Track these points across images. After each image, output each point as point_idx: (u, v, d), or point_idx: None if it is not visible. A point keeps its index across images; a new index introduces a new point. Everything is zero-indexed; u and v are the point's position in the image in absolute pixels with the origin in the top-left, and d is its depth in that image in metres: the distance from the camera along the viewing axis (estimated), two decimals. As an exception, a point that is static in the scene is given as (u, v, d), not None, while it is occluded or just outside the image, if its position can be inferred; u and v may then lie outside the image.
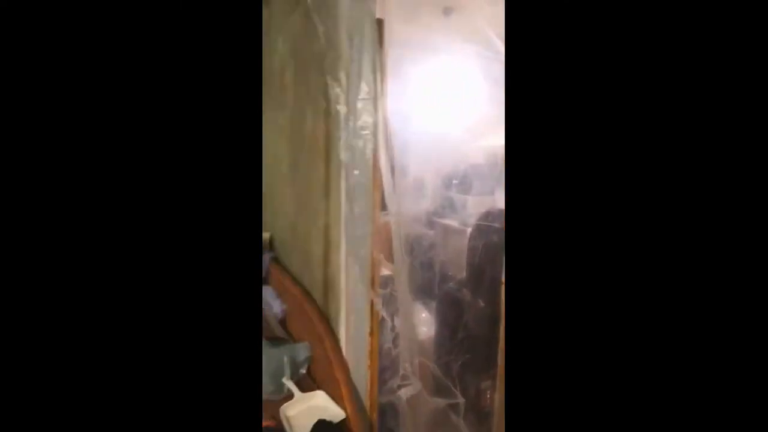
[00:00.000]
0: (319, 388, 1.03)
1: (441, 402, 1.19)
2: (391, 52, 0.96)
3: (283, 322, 1.34)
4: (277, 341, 1.18)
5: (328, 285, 1.13)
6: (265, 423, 0.92)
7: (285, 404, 0.97)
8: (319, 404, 0.97)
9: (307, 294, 1.28)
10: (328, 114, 1.03)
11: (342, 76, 0.92)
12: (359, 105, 0.89)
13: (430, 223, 1.51)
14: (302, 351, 1.14)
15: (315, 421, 0.89)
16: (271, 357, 1.07)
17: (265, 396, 1.00)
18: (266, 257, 1.66)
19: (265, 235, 1.73)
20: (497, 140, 1.31)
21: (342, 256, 1.01)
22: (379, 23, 0.91)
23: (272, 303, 1.41)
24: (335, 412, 0.93)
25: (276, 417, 0.94)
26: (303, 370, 1.13)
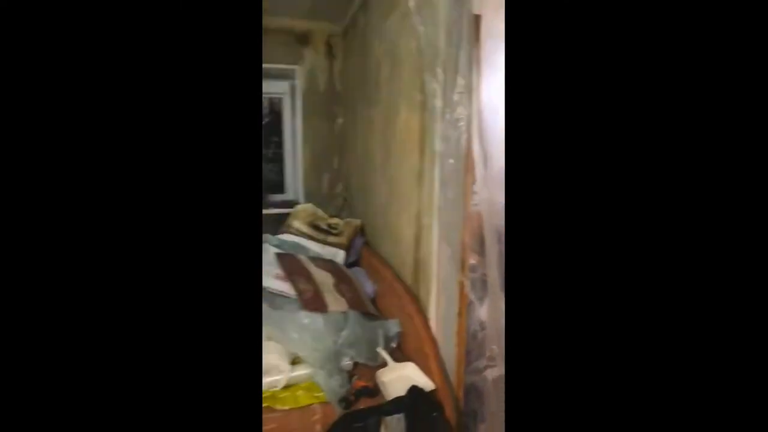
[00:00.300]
0: (408, 361, 1.13)
1: (526, 389, 1.20)
2: (486, 45, 0.99)
3: (373, 301, 1.47)
4: (370, 316, 1.30)
5: (419, 267, 1.21)
6: (363, 383, 1.04)
7: (380, 370, 1.08)
8: (410, 374, 1.06)
9: (397, 275, 1.38)
10: (424, 107, 1.10)
11: (439, 71, 0.99)
12: (455, 98, 0.94)
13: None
14: (393, 327, 1.24)
15: (405, 386, 0.99)
16: (366, 329, 1.19)
17: (362, 361, 1.12)
18: (358, 241, 1.81)
19: (357, 222, 1.88)
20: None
21: (434, 241, 1.09)
22: (477, 19, 0.95)
23: (364, 283, 1.54)
24: (424, 383, 1.01)
25: (372, 380, 1.06)
26: (393, 344, 1.24)
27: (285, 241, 1.73)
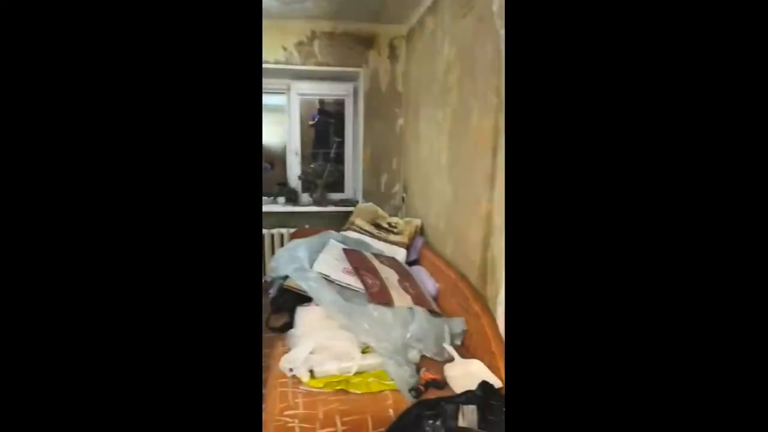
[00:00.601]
0: (472, 358, 1.15)
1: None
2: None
3: (435, 299, 1.49)
4: (435, 313, 1.33)
5: (487, 268, 1.22)
6: (431, 376, 1.07)
7: (447, 364, 1.11)
8: (477, 371, 1.08)
9: (462, 275, 1.40)
10: (499, 110, 1.12)
11: (519, 74, 1.00)
12: (536, 100, 0.95)
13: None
14: (458, 324, 1.27)
15: (472, 382, 1.00)
16: (433, 325, 1.23)
17: (429, 355, 1.16)
18: (418, 241, 1.85)
19: (417, 221, 1.92)
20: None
21: (504, 241, 1.10)
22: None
23: (426, 281, 1.57)
24: (491, 380, 1.03)
25: (439, 373, 1.09)
26: (458, 341, 1.26)
27: (348, 238, 1.80)
